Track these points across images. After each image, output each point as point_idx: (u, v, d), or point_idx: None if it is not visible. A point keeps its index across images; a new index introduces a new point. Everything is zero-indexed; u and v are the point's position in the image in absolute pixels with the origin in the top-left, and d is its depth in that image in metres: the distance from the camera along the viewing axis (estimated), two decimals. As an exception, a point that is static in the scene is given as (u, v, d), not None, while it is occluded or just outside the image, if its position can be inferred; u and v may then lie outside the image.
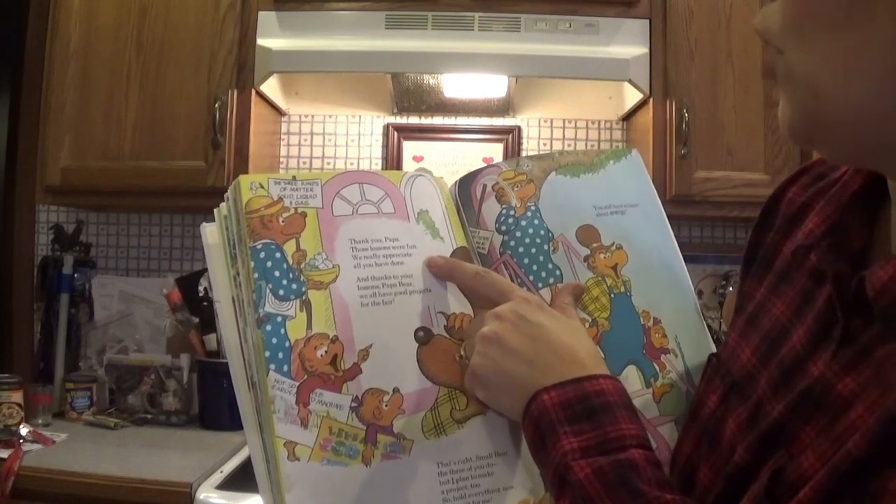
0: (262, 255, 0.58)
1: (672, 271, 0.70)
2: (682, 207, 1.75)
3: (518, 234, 0.67)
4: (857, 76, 0.39)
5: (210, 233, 0.63)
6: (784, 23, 0.42)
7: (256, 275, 0.57)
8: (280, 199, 0.61)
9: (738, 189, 1.74)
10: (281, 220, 0.60)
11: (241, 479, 1.45)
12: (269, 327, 0.56)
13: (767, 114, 1.75)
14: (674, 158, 1.74)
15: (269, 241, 0.59)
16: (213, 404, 1.84)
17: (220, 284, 0.61)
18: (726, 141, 1.75)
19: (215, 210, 0.63)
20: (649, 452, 0.50)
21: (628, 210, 0.71)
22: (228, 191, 0.62)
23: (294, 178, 0.63)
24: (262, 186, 0.61)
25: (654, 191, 0.73)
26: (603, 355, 0.61)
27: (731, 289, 1.97)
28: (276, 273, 0.58)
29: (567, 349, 0.55)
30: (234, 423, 1.76)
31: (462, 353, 0.60)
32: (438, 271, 0.62)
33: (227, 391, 1.78)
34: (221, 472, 1.49)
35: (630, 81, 1.73)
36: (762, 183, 1.73)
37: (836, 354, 0.43)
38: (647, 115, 1.81)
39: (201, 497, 1.38)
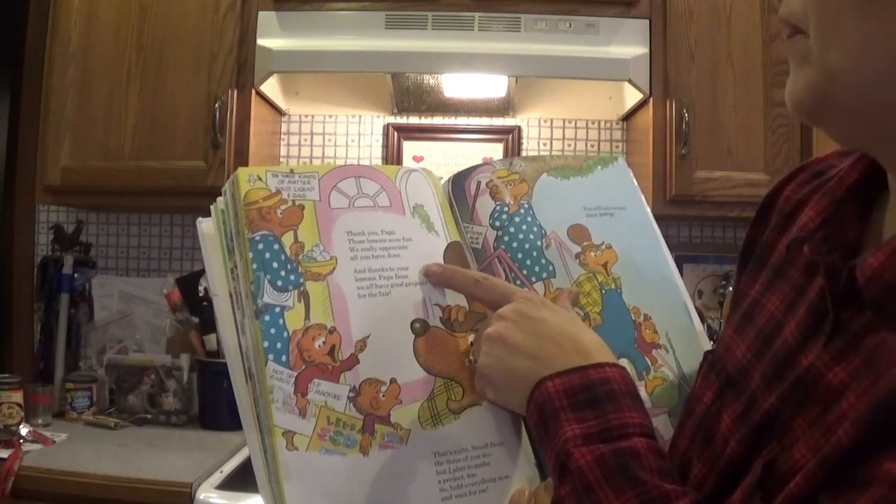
0: (261, 246, 0.59)
1: (661, 272, 0.71)
2: (682, 207, 1.76)
3: (512, 229, 0.68)
4: (868, 63, 0.39)
5: (206, 227, 0.63)
6: (808, 7, 0.43)
7: (255, 265, 0.58)
8: (278, 191, 0.61)
9: (738, 189, 1.74)
10: (279, 212, 0.60)
11: (241, 479, 1.45)
12: (267, 318, 0.56)
13: (767, 114, 1.75)
14: (674, 158, 1.74)
15: (267, 232, 0.59)
16: (213, 404, 1.84)
17: (216, 278, 0.61)
18: (726, 141, 1.75)
19: (212, 206, 0.63)
20: (652, 441, 0.50)
21: (616, 212, 0.73)
22: (226, 184, 0.62)
23: (292, 171, 0.63)
24: (260, 179, 0.61)
25: (642, 196, 0.75)
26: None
27: (731, 289, 1.97)
28: (275, 264, 0.58)
29: (570, 340, 0.55)
30: (234, 423, 1.75)
31: (471, 357, 0.61)
32: (437, 280, 0.62)
33: (227, 391, 1.78)
34: (221, 472, 1.49)
35: (630, 81, 1.73)
36: (762, 183, 1.73)
37: (827, 345, 0.42)
38: (647, 115, 1.81)
39: (201, 497, 1.38)
